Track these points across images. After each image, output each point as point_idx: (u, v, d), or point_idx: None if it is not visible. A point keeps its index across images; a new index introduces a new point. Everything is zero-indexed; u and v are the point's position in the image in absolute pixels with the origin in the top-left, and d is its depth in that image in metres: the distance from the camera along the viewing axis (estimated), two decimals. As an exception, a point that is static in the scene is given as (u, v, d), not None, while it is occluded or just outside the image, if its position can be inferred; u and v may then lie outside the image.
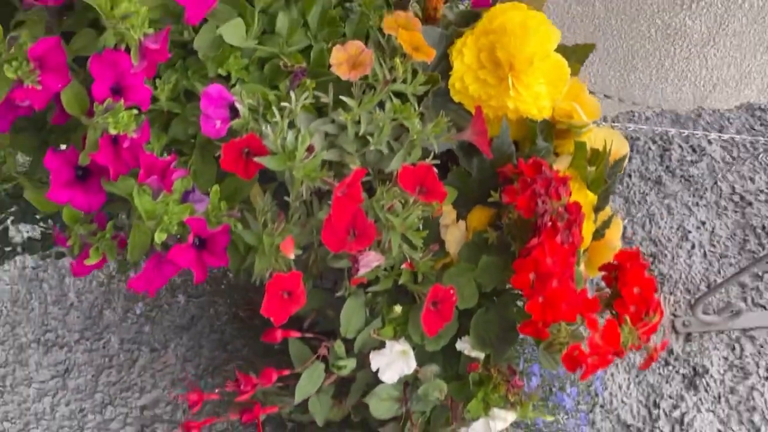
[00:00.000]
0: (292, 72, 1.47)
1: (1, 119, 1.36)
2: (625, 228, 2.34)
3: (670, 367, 2.13)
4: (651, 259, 2.28)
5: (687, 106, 2.43)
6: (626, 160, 1.72)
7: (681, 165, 2.45)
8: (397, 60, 1.41)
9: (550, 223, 1.39)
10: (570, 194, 1.46)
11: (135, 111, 1.31)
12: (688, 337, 2.17)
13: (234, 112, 1.39)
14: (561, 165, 1.57)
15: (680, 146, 2.48)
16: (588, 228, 1.56)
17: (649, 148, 2.48)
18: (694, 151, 2.48)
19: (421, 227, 1.40)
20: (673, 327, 2.18)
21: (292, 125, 1.40)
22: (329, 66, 1.45)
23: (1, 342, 2.19)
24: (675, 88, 2.43)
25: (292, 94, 1.40)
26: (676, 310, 2.21)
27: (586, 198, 1.57)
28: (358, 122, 1.40)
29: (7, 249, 1.90)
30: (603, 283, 1.58)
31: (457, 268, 1.41)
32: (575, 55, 1.69)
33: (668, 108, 2.54)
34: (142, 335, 2.17)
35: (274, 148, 1.35)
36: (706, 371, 2.11)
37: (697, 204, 2.39)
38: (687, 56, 2.42)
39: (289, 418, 1.48)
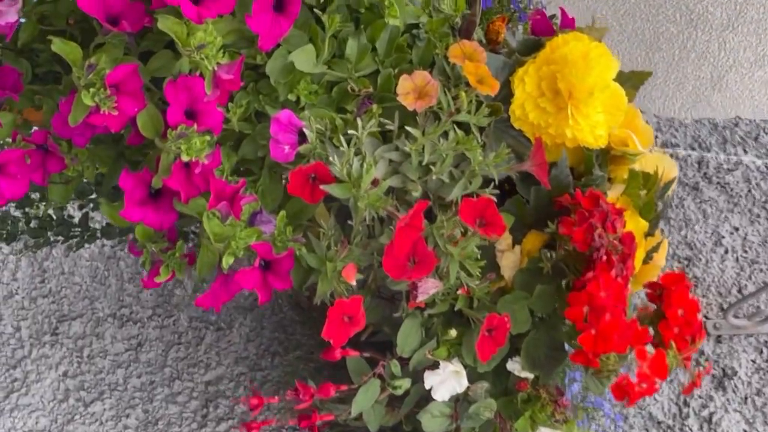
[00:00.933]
0: (359, 96, 1.33)
1: (79, 136, 1.24)
2: (662, 231, 2.19)
3: (701, 368, 1.99)
4: (686, 262, 2.13)
5: (705, 83, 2.28)
6: (675, 183, 1.57)
7: (717, 172, 2.29)
8: (462, 93, 1.26)
9: (605, 257, 1.25)
10: (624, 225, 1.32)
11: (207, 137, 1.18)
12: (718, 339, 2.03)
13: (302, 137, 1.27)
14: (615, 192, 1.42)
15: (717, 154, 2.32)
16: (638, 254, 1.42)
17: (688, 155, 2.32)
18: (730, 159, 2.32)
19: (479, 256, 1.26)
20: (705, 329, 2.04)
21: (358, 151, 1.26)
22: (395, 92, 1.31)
23: (80, 315, 2.10)
24: (695, 67, 2.28)
25: (359, 121, 1.26)
26: (708, 312, 2.07)
27: (637, 224, 1.43)
28: (422, 151, 1.26)
29: (87, 234, 1.79)
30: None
31: (512, 296, 1.28)
32: (631, 81, 1.54)
33: (702, 117, 2.38)
34: (209, 315, 2.07)
35: (340, 176, 1.22)
36: (735, 373, 1.97)
37: (732, 210, 2.23)
38: (707, 39, 2.28)
39: (343, 423, 1.36)
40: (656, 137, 2.34)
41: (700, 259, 2.16)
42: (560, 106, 1.39)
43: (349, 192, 1.22)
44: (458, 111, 1.28)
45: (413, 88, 1.28)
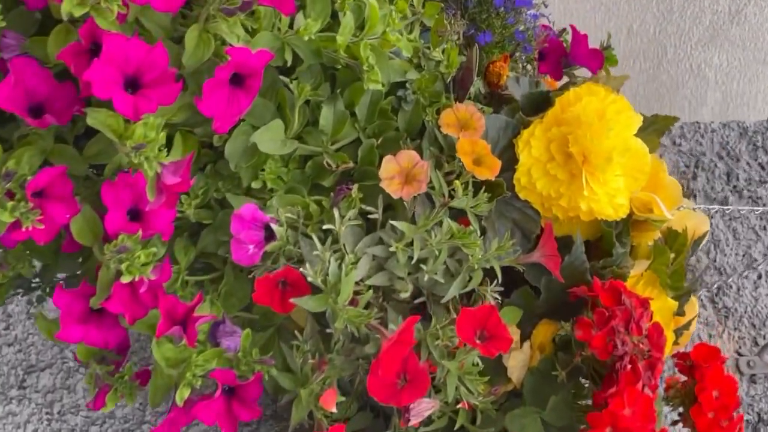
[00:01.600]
0: (336, 171, 1.15)
1: (6, 239, 1.06)
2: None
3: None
4: (715, 291, 1.95)
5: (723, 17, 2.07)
6: (706, 238, 1.38)
7: (749, 185, 2.09)
8: (457, 183, 1.07)
9: (629, 366, 1.07)
10: (651, 317, 1.13)
11: (154, 249, 1.00)
12: (752, 379, 1.85)
13: (270, 233, 1.08)
14: (638, 268, 1.24)
15: (748, 164, 2.12)
16: (667, 337, 1.24)
17: (716, 166, 2.12)
18: (762, 168, 2.12)
19: (479, 362, 1.08)
20: (737, 367, 1.86)
21: (336, 246, 1.08)
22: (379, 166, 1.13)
23: (49, 365, 1.93)
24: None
25: (336, 213, 1.07)
26: (740, 348, 1.89)
27: (665, 304, 1.26)
28: (411, 244, 1.08)
29: (50, 286, 1.61)
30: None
31: (522, 411, 1.11)
32: (654, 125, 1.34)
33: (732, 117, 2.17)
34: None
35: (315, 283, 1.04)
36: (772, 418, 1.80)
37: (765, 228, 2.03)
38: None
39: None
40: (680, 145, 2.13)
41: (731, 287, 1.97)
42: (573, 173, 1.20)
43: (325, 304, 1.04)
44: (452, 197, 1.08)
45: (399, 171, 1.09)
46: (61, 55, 0.96)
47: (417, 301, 1.14)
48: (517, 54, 1.38)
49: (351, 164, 1.17)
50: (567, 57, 1.60)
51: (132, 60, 0.99)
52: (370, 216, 1.13)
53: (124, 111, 0.97)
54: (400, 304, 1.13)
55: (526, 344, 1.19)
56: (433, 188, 1.12)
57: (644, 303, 1.15)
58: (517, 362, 1.18)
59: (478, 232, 1.10)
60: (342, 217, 1.10)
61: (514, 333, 1.18)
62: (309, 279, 1.06)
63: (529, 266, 1.20)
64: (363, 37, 1.15)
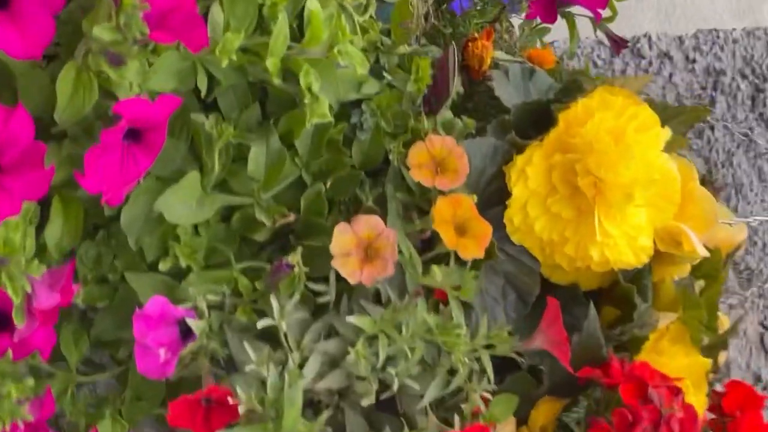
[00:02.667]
0: (274, 225, 0.99)
1: None
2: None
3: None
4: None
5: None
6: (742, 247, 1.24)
7: (779, 112, 1.93)
8: (435, 268, 0.91)
9: None
10: (683, 402, 1.01)
11: (30, 382, 0.85)
12: (778, 357, 1.75)
13: (186, 329, 0.92)
14: (663, 322, 1.10)
15: (777, 84, 1.95)
16: (699, 402, 1.12)
17: (738, 88, 1.96)
18: (794, 88, 1.96)
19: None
20: (762, 342, 1.76)
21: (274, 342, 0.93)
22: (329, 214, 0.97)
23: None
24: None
25: (274, 302, 0.92)
26: (765, 318, 1.78)
27: (696, 361, 1.12)
28: (375, 337, 0.93)
29: None
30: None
31: None
32: (680, 117, 1.18)
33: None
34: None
35: (249, 406, 0.90)
36: (801, 404, 1.70)
37: (796, 165, 1.89)
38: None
39: None
40: (694, 61, 1.96)
41: (755, 243, 1.84)
42: (582, 210, 1.06)
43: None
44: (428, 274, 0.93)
45: (356, 244, 0.93)
46: None
47: (384, 396, 1.00)
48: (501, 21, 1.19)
49: (291, 217, 0.99)
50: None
51: None
52: (318, 296, 0.97)
53: None
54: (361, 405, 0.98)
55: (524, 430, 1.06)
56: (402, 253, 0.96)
57: (676, 391, 1.01)
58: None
59: (463, 325, 0.94)
60: (282, 306, 0.93)
61: (509, 423, 1.05)
62: (241, 400, 0.91)
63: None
64: (302, 50, 0.95)
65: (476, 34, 1.18)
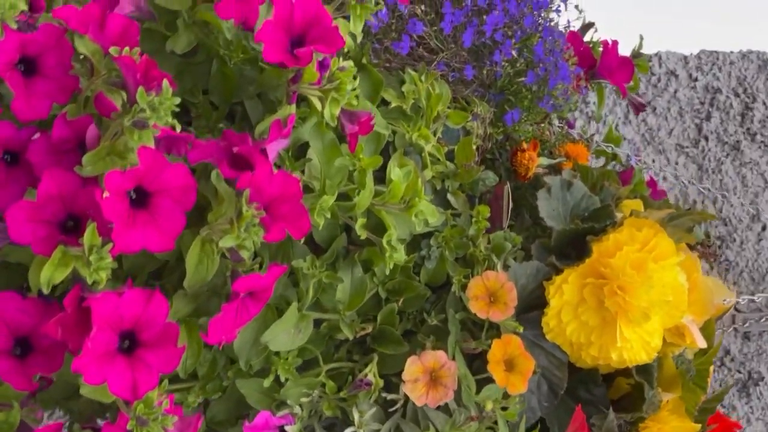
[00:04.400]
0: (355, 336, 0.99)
1: None
2: (694, 202, 1.83)
3: (725, 370, 1.74)
4: (719, 243, 1.80)
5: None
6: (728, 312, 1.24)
7: (763, 127, 1.87)
8: (488, 403, 0.92)
9: None
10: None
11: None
12: (746, 336, 1.75)
13: None
14: (666, 398, 1.11)
15: (765, 103, 1.88)
16: (686, 455, 1.13)
17: (731, 105, 1.89)
18: (778, 107, 1.89)
19: None
20: (733, 322, 1.76)
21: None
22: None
23: None
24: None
25: (356, 414, 0.93)
26: (738, 303, 1.77)
27: (686, 425, 1.13)
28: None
29: None
30: None
31: None
32: (688, 216, 1.16)
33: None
34: None
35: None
36: (762, 378, 1.72)
37: (775, 174, 1.85)
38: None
39: None
40: (696, 79, 1.89)
41: (735, 239, 1.82)
42: (606, 319, 1.05)
43: None
44: (483, 412, 0.93)
45: (423, 372, 0.93)
46: (48, 327, 0.77)
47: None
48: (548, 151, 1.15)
49: (369, 329, 0.99)
50: (594, 68, 1.37)
51: (127, 318, 0.80)
52: (391, 400, 0.98)
53: (121, 392, 0.79)
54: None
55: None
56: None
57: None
58: None
59: (508, 441, 0.95)
60: (361, 415, 0.94)
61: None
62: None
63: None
64: (384, 203, 0.93)
65: (525, 145, 1.14)
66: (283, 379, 0.96)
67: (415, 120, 1.03)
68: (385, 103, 1.01)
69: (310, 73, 0.84)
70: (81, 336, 0.82)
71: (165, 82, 0.79)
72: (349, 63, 0.86)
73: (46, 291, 0.78)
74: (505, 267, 1.03)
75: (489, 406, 0.95)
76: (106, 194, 0.77)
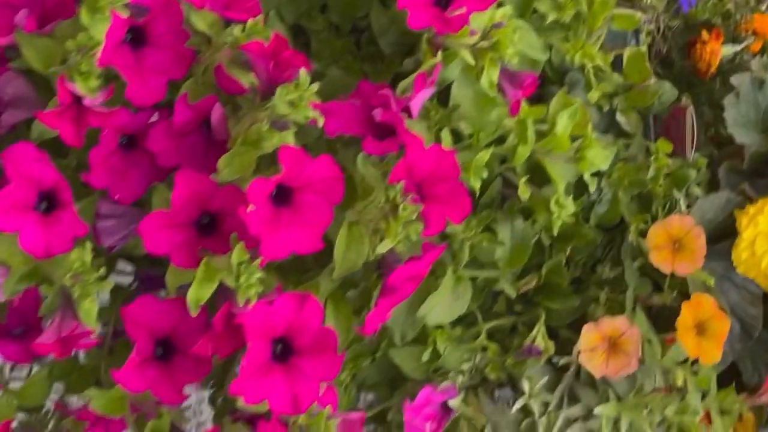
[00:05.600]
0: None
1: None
2: None
3: None
4: None
5: None
6: None
7: None
8: (678, 373, 1.06)
9: None
10: None
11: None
12: None
13: (446, 408, 1.11)
14: None
15: None
16: None
17: None
18: None
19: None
20: None
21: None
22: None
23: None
24: None
25: (526, 384, 1.09)
26: None
27: None
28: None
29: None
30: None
31: None
32: None
33: None
34: None
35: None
36: None
37: None
38: None
39: None
40: None
41: None
42: (809, 249, 1.15)
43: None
44: (673, 390, 1.07)
45: (601, 340, 1.07)
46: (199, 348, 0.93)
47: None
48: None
49: (533, 283, 1.13)
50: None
51: (279, 326, 0.95)
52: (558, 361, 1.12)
53: (283, 408, 0.96)
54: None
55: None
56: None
57: None
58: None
59: (700, 411, 1.09)
60: (532, 387, 1.09)
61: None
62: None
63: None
64: (548, 152, 1.04)
65: (705, 35, 1.20)
66: (441, 349, 1.09)
67: (575, 28, 1.10)
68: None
69: (463, 32, 0.92)
70: (231, 345, 0.96)
71: (302, 72, 0.89)
72: (504, 12, 0.93)
73: (194, 313, 0.92)
74: (688, 198, 1.13)
75: (680, 378, 1.07)
76: (251, 208, 0.89)
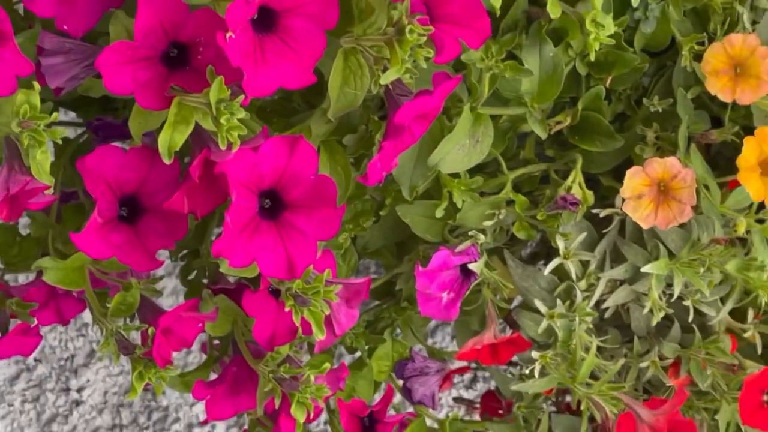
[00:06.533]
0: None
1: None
2: None
3: None
4: None
5: None
6: None
7: None
8: (740, 222, 1.15)
9: None
10: None
11: (326, 365, 1.17)
12: None
13: (468, 270, 1.22)
14: None
15: None
16: None
17: None
18: None
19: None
20: None
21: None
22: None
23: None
24: None
25: (560, 243, 1.20)
26: None
27: None
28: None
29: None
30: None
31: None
32: None
33: None
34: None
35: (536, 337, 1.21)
36: None
37: None
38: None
39: None
40: None
41: None
42: None
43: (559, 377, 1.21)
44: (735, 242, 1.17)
45: (649, 185, 1.16)
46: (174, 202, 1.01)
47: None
48: None
49: (567, 121, 1.21)
50: None
51: (267, 176, 1.03)
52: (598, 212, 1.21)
53: (275, 272, 1.05)
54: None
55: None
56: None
57: None
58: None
59: (768, 265, 1.19)
60: (567, 247, 1.19)
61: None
62: (529, 333, 1.21)
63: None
64: None
65: None
66: (459, 203, 1.18)
67: None
68: None
69: None
70: (210, 200, 1.05)
71: None
72: None
73: (167, 160, 1.00)
74: (754, 12, 1.21)
75: (741, 226, 1.17)
76: (230, 35, 0.97)
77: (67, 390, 2.13)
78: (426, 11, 1.01)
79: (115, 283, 1.11)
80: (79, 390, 2.13)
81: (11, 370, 2.09)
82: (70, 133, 1.24)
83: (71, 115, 1.28)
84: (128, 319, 1.12)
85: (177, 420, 2.14)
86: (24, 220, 1.16)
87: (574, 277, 1.20)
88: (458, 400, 1.58)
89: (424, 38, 0.99)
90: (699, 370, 1.25)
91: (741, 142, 1.17)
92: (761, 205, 1.18)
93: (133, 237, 1.07)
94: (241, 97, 0.97)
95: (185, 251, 1.27)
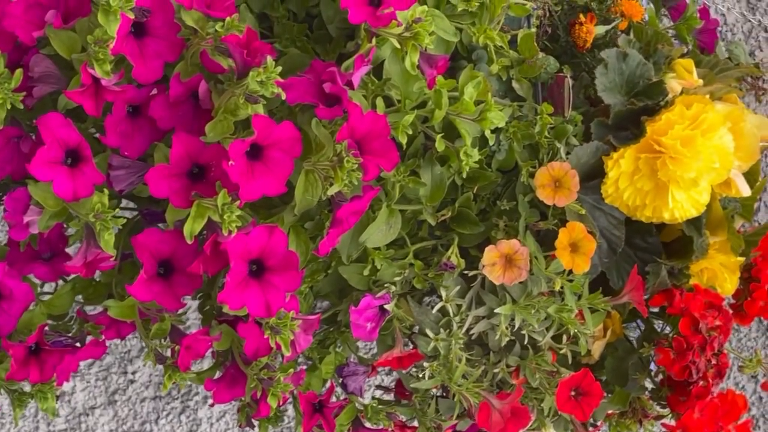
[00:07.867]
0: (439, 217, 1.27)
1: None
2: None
3: None
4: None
5: None
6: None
7: None
8: (557, 282, 1.21)
9: (701, 383, 1.31)
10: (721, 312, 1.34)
11: (291, 370, 1.20)
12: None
13: (383, 309, 1.26)
14: (713, 240, 1.39)
15: None
16: (732, 282, 1.44)
17: None
18: None
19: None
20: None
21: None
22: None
23: None
24: None
25: (443, 291, 1.24)
26: None
27: (733, 260, 1.43)
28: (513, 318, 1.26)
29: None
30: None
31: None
32: (737, 70, 1.40)
33: None
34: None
35: (428, 353, 1.25)
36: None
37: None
38: None
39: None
40: None
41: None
42: (659, 186, 1.30)
43: (441, 378, 1.25)
44: (554, 294, 1.22)
45: (499, 257, 1.22)
46: (193, 267, 1.05)
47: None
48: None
49: (449, 213, 1.26)
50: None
51: (254, 250, 1.08)
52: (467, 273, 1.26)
53: (258, 312, 1.09)
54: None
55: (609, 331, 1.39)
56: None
57: (717, 305, 1.32)
58: (598, 346, 1.39)
59: (575, 309, 1.25)
60: (447, 294, 1.24)
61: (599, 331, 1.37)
62: (422, 349, 1.25)
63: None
64: (458, 114, 1.18)
65: (582, 18, 1.34)
66: (378, 266, 1.23)
67: (480, 15, 1.23)
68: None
69: (392, 24, 1.05)
70: (217, 265, 1.10)
71: (269, 59, 1.01)
72: (423, 9, 1.06)
73: (189, 241, 1.04)
74: (567, 146, 1.27)
75: (558, 284, 1.23)
76: (231, 162, 1.01)
77: (125, 372, 2.15)
78: (357, 147, 1.06)
79: (154, 316, 1.13)
80: (133, 373, 2.15)
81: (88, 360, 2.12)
82: (128, 214, 1.28)
83: (130, 204, 1.32)
84: (162, 340, 1.15)
85: (197, 393, 2.17)
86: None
87: (452, 314, 1.24)
88: (379, 387, 1.61)
89: (356, 165, 1.03)
90: (531, 374, 1.29)
91: (558, 230, 1.22)
92: (570, 271, 1.23)
93: (167, 287, 1.10)
94: (238, 201, 1.01)
95: (201, 293, 1.30)
